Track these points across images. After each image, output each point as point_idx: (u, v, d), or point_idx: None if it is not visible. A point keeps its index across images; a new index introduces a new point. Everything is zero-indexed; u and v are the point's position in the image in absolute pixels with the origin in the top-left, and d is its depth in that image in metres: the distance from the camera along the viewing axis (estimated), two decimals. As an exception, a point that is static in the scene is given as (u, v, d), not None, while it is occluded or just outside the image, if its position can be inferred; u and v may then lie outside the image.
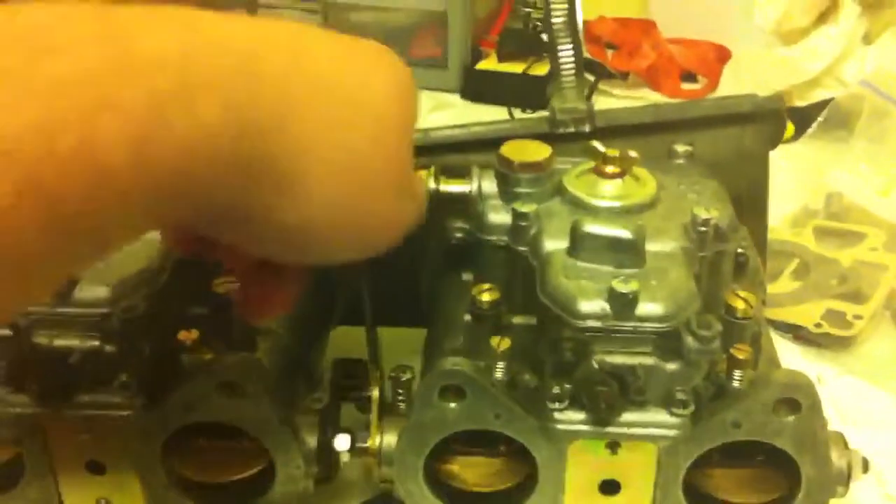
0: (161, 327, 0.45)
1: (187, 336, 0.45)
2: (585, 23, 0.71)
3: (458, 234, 0.51)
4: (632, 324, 0.41)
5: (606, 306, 0.41)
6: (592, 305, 0.41)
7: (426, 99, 1.05)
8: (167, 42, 0.26)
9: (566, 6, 0.49)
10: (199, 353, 0.45)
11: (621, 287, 0.41)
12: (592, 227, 0.43)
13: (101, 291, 0.44)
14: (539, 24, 1.12)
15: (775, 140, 0.53)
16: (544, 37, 1.10)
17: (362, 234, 0.35)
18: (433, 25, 1.12)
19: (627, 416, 0.43)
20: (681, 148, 0.51)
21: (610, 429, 0.43)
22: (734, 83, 1.07)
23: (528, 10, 1.14)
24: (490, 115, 1.00)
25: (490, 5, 1.21)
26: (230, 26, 0.29)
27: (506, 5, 1.19)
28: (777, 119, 0.53)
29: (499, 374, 0.45)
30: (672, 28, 1.18)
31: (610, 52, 1.14)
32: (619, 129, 0.52)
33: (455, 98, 1.10)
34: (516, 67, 1.09)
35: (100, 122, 0.23)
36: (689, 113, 0.54)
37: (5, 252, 0.22)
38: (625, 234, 0.43)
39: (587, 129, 0.51)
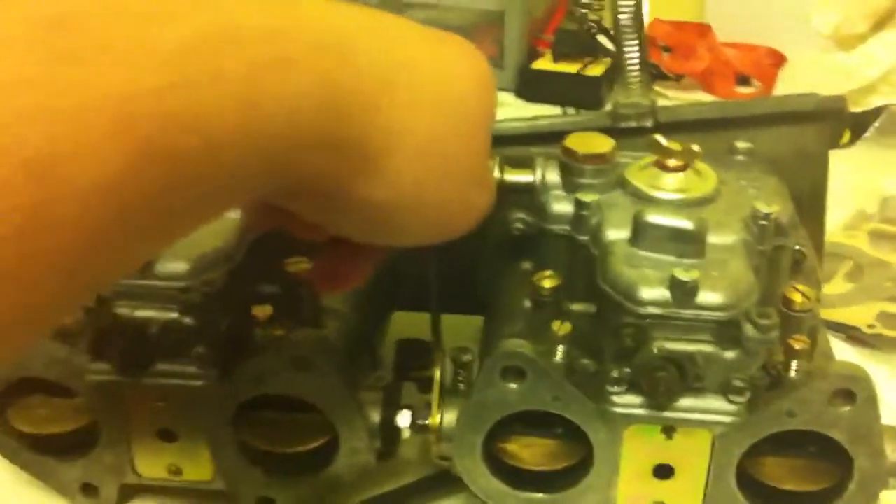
0: (236, 303, 0.48)
1: (261, 312, 0.47)
2: (644, 24, 0.72)
3: (519, 225, 0.52)
4: (692, 312, 0.42)
5: (667, 294, 0.42)
6: (653, 293, 0.43)
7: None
8: (270, 16, 0.28)
9: (633, 4, 0.50)
10: (270, 329, 0.47)
11: (682, 275, 0.42)
12: (655, 217, 0.45)
13: (181, 266, 0.46)
14: (594, 25, 1.14)
15: (835, 140, 0.54)
16: (600, 38, 1.12)
17: (440, 219, 0.36)
18: (489, 25, 1.13)
19: (684, 402, 0.44)
20: (741, 145, 0.52)
21: (667, 414, 0.44)
22: (789, 88, 1.07)
23: (583, 10, 1.15)
24: (545, 114, 1.01)
25: (546, 5, 1.23)
26: (328, 7, 0.30)
27: (561, 5, 1.20)
28: (838, 119, 0.53)
29: (558, 358, 0.46)
30: (727, 32, 1.19)
31: (665, 55, 1.15)
32: (681, 125, 0.53)
33: (510, 97, 1.12)
34: (571, 67, 1.10)
35: (210, 88, 0.25)
36: (751, 110, 0.55)
37: (129, 215, 0.24)
38: (687, 224, 0.44)
39: (649, 124, 0.53)
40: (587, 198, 0.47)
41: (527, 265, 0.53)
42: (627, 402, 0.45)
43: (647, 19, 0.53)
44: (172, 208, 0.25)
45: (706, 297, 0.42)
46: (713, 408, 0.44)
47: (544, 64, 1.13)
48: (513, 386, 0.45)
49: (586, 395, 0.45)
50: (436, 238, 0.37)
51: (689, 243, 0.44)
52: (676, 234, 0.44)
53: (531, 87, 1.11)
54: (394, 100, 0.31)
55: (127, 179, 0.23)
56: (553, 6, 1.23)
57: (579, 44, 1.13)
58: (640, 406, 0.45)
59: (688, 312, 0.42)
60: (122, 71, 0.23)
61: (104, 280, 0.26)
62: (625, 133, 0.53)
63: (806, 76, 1.08)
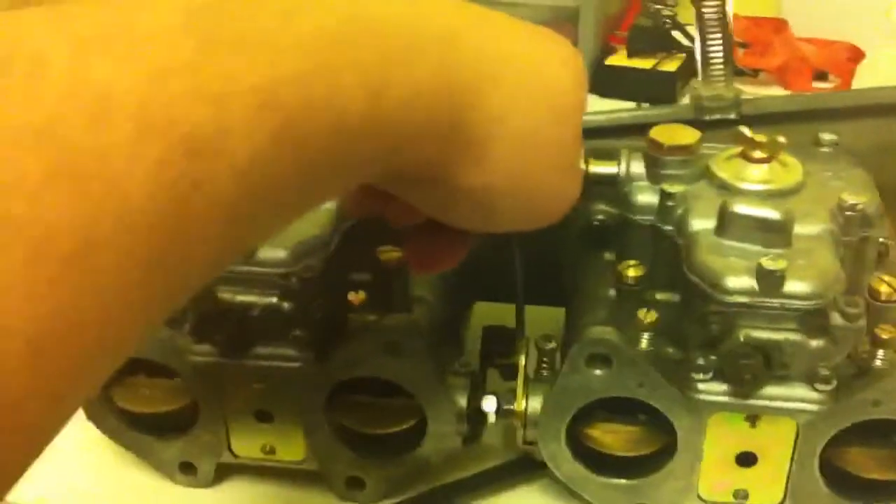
0: (331, 289, 0.50)
1: (355, 298, 0.49)
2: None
3: (601, 216, 0.54)
4: (779, 300, 0.43)
5: (754, 283, 0.43)
6: (740, 282, 0.43)
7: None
8: (399, 7, 0.30)
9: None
10: (363, 314, 0.49)
11: (770, 265, 0.43)
12: (741, 208, 0.45)
13: (281, 253, 0.48)
14: (668, 21, 1.14)
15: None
16: (674, 34, 1.12)
17: (535, 205, 0.38)
18: (564, 21, 1.14)
19: (769, 390, 0.45)
20: (826, 136, 0.52)
21: (752, 401, 0.45)
22: (867, 83, 1.06)
23: (657, 6, 1.15)
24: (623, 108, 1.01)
25: (620, 2, 1.23)
26: (441, 0, 0.32)
27: (635, 2, 1.20)
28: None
29: (643, 345, 0.47)
30: (805, 27, 1.17)
31: (741, 51, 1.14)
32: (765, 118, 0.54)
33: (584, 93, 1.12)
34: (646, 63, 1.11)
35: (346, 75, 0.27)
36: (833, 103, 0.55)
37: (267, 192, 0.26)
38: (773, 214, 0.45)
39: (733, 116, 0.53)
40: (673, 188, 0.48)
41: (609, 255, 0.54)
42: (712, 390, 0.46)
43: (731, 10, 0.53)
44: (301, 188, 0.27)
45: (793, 286, 0.43)
46: (798, 396, 0.45)
47: (619, 60, 1.14)
48: (598, 372, 0.46)
49: (671, 383, 0.46)
50: (529, 224, 0.39)
51: (776, 233, 0.45)
52: (762, 224, 0.45)
53: (606, 83, 1.11)
54: (497, 90, 0.33)
55: (268, 158, 0.25)
56: (627, 2, 1.23)
57: (653, 40, 1.13)
58: (725, 394, 0.46)
59: (774, 301, 0.43)
60: (268, 56, 0.25)
61: (238, 254, 0.28)
62: (709, 125, 0.53)
63: (884, 71, 1.06)
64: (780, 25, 1.16)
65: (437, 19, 0.31)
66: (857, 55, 1.14)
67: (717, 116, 0.53)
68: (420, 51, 0.30)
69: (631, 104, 1.05)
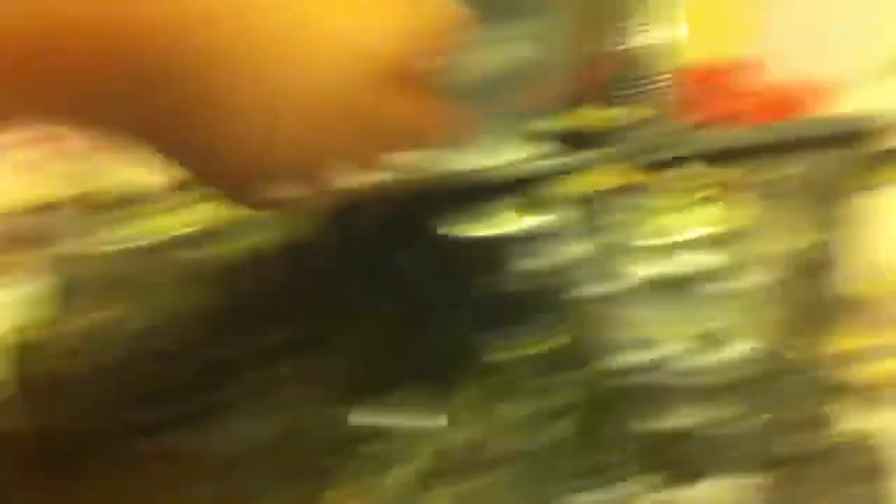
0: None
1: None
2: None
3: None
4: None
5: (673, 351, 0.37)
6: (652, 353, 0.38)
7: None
8: None
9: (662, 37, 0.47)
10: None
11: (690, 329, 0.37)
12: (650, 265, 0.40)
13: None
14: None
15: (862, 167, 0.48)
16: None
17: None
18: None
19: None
20: (775, 173, 0.47)
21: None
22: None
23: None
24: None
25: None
26: None
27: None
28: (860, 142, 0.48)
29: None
30: (773, 67, 1.14)
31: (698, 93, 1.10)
32: (709, 156, 0.49)
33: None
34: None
35: None
36: (775, 137, 0.51)
37: None
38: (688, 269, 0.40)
39: (679, 154, 0.48)
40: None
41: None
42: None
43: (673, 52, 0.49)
44: None
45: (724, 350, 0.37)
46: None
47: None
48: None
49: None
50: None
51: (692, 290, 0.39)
52: (673, 282, 0.40)
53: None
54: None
55: None
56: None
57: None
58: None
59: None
60: None
61: None
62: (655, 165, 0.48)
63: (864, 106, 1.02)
64: (743, 66, 1.12)
65: None
66: (829, 93, 1.10)
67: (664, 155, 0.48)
68: None
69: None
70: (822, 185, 0.47)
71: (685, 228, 0.43)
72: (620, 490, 0.37)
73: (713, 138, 0.51)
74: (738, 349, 0.37)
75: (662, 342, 0.38)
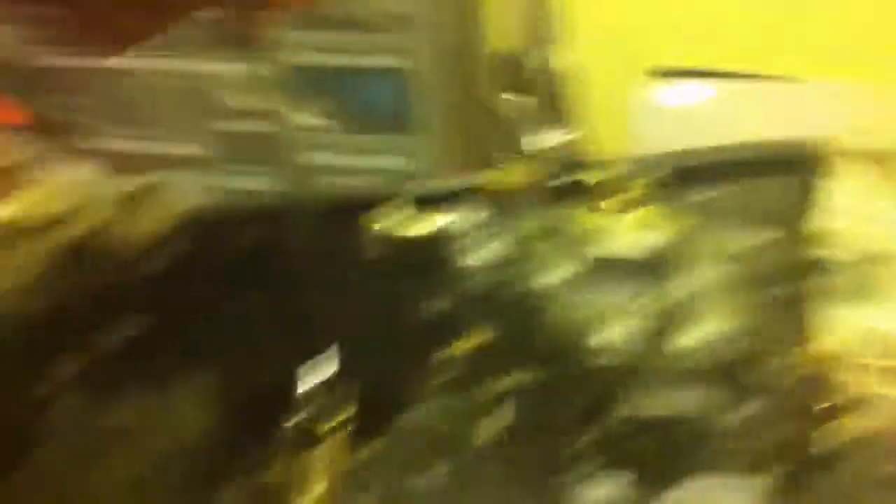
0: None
1: None
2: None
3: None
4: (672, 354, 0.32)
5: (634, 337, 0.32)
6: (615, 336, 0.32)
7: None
8: None
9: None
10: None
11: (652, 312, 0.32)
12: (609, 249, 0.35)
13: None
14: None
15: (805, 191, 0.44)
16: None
17: None
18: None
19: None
20: (707, 195, 0.43)
21: None
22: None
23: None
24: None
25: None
26: None
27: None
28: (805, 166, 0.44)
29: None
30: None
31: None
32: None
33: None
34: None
35: None
36: (714, 159, 0.47)
37: None
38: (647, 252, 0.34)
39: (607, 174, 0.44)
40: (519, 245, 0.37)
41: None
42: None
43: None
44: None
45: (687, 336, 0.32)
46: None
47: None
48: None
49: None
50: None
51: (653, 275, 0.34)
52: (635, 265, 0.34)
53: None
54: None
55: None
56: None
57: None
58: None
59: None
60: None
61: None
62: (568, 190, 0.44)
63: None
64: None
65: None
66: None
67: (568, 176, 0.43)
68: None
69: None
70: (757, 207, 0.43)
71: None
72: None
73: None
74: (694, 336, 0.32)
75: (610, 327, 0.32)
